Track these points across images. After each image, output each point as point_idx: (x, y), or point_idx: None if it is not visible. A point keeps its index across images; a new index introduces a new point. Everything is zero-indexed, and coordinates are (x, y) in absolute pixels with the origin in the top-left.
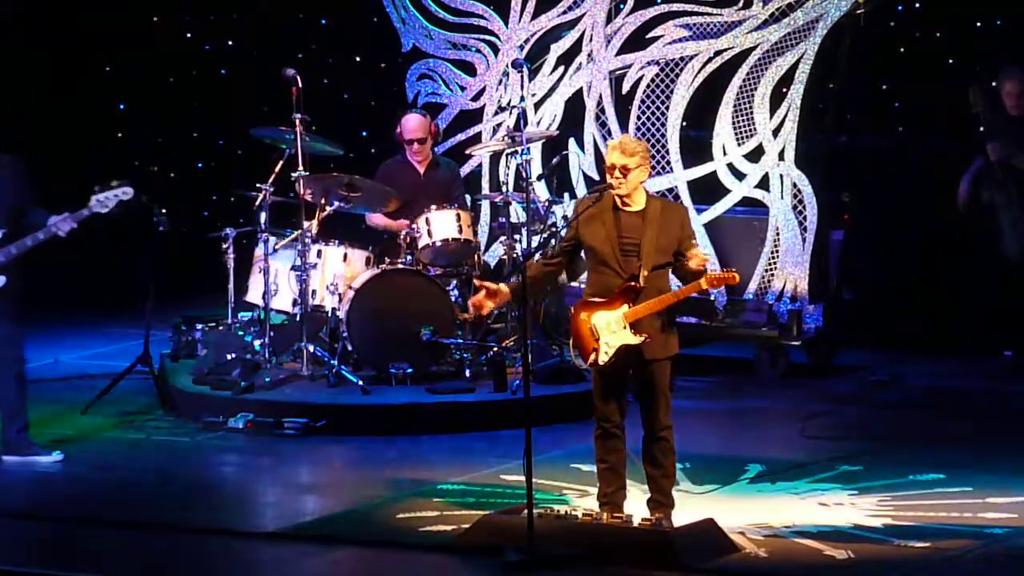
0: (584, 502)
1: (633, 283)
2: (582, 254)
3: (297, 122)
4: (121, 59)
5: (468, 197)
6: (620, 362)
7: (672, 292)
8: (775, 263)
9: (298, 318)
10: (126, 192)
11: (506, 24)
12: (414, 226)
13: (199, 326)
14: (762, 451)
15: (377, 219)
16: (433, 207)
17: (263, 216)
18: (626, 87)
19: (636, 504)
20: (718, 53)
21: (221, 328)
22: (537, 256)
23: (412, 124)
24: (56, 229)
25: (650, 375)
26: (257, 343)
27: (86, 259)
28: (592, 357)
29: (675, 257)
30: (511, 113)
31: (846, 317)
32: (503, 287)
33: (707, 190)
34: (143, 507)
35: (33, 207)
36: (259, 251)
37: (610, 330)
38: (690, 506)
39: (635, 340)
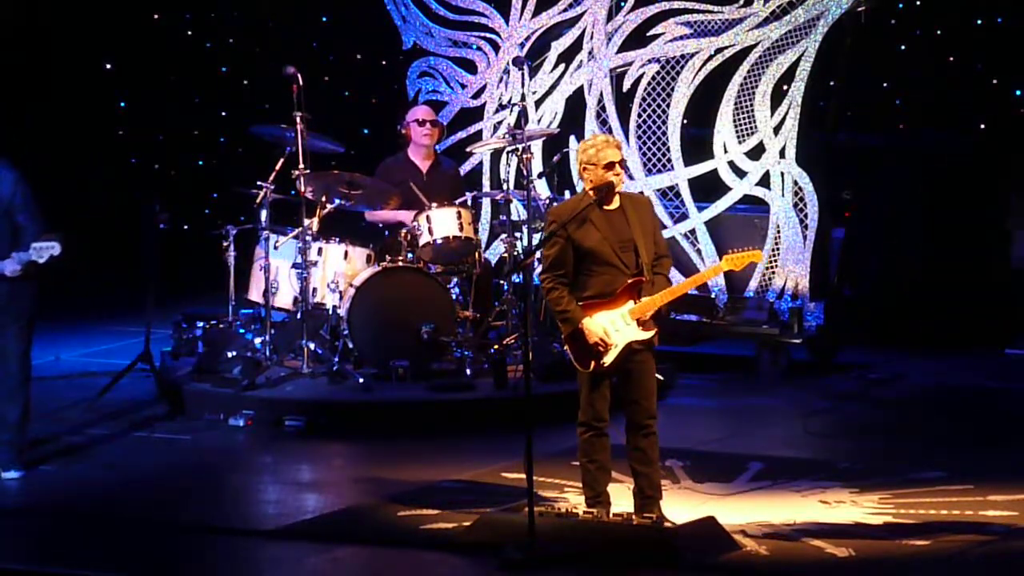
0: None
1: (640, 278)
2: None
3: (298, 120)
4: (121, 57)
5: (469, 195)
6: (620, 359)
7: (684, 282)
8: (776, 261)
9: (299, 316)
10: (54, 247)
11: (507, 22)
12: (415, 223)
13: (200, 324)
14: (763, 449)
15: (378, 212)
16: (434, 205)
17: (264, 214)
18: (627, 85)
19: (620, 499)
20: (719, 51)
21: (222, 326)
22: (553, 283)
23: (422, 108)
24: (2, 268)
25: (644, 367)
26: (258, 341)
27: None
28: (593, 362)
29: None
30: (511, 111)
31: (847, 315)
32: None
33: (708, 188)
34: (144, 505)
35: (29, 223)
36: (260, 249)
37: (615, 328)
38: (691, 504)
39: (645, 335)
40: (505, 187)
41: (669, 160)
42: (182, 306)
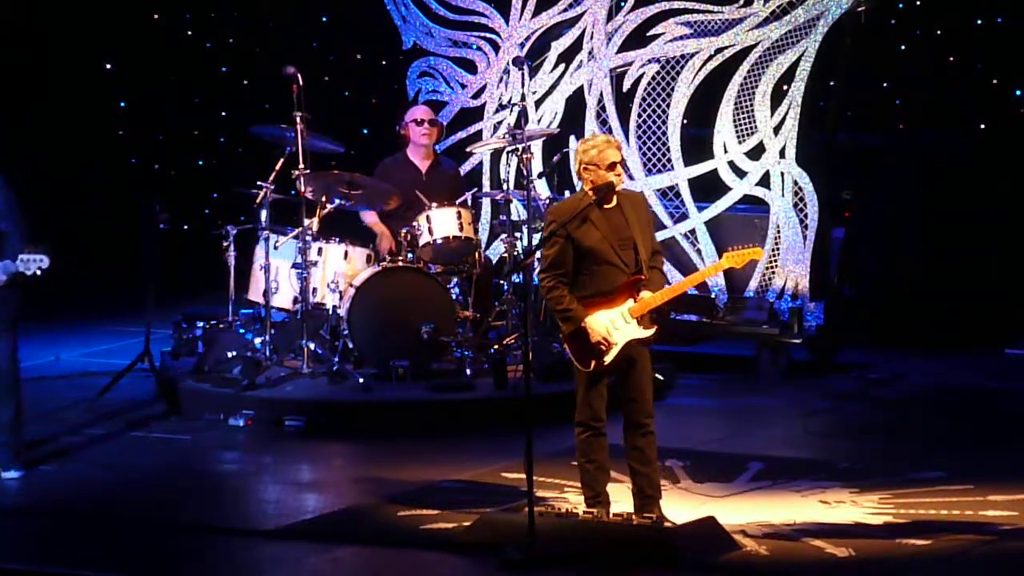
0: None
1: (638, 276)
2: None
3: (298, 120)
4: (121, 57)
5: (468, 193)
6: (619, 358)
7: (684, 280)
8: (776, 261)
9: (299, 316)
10: (42, 260)
11: (507, 22)
12: (415, 224)
13: (200, 324)
14: (763, 449)
15: (369, 217)
16: (434, 205)
17: (264, 214)
18: (627, 85)
19: (620, 499)
20: (719, 51)
21: (222, 326)
22: (554, 282)
23: (421, 108)
24: None
25: (641, 366)
26: (258, 341)
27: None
28: (594, 362)
29: None
30: (511, 111)
31: (847, 315)
32: None
33: (708, 188)
34: (144, 505)
35: (13, 230)
36: (260, 249)
37: (615, 326)
38: (691, 504)
39: (645, 333)
40: (505, 187)
41: (669, 160)
42: (182, 306)
